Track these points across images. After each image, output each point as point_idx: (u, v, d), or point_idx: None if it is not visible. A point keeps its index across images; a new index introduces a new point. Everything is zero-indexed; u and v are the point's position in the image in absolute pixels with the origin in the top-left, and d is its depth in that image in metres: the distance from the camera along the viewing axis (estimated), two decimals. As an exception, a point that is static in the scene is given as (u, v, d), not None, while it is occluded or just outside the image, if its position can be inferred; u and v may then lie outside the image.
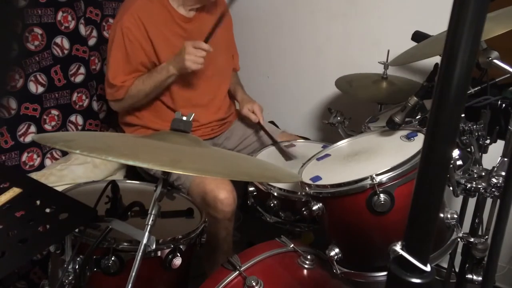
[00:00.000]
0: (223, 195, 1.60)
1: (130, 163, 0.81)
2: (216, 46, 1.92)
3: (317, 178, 1.25)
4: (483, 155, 1.36)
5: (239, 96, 2.03)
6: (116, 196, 1.20)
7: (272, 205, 1.52)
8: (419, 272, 0.54)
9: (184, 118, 1.07)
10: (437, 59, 1.10)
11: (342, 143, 1.43)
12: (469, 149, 1.35)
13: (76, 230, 1.17)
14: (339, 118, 1.78)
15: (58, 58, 1.89)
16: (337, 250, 1.21)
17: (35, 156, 1.86)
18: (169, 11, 1.77)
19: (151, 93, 1.78)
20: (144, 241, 0.98)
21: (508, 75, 1.19)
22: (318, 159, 1.38)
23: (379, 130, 1.41)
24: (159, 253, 1.20)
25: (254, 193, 1.61)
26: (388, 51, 1.83)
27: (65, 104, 1.95)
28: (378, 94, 1.87)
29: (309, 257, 1.25)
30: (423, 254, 0.54)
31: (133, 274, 0.97)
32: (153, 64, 1.77)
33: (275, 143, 1.86)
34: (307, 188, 1.23)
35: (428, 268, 0.54)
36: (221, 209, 1.60)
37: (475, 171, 1.27)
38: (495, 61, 1.17)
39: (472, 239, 1.25)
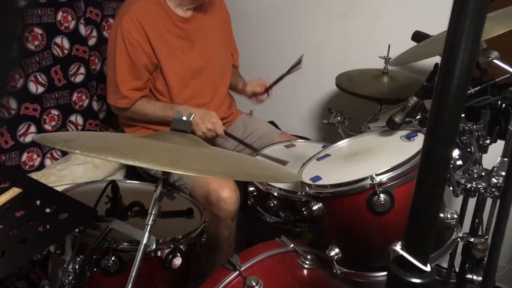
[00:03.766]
0: (226, 194, 1.60)
1: (130, 163, 0.81)
2: (215, 45, 1.93)
3: (317, 178, 1.25)
4: (483, 155, 1.36)
5: (241, 83, 2.02)
6: (116, 196, 1.20)
7: (272, 205, 1.52)
8: (419, 272, 0.54)
9: (184, 118, 1.07)
10: (437, 59, 1.10)
11: (342, 143, 1.43)
12: (469, 149, 1.34)
13: (76, 230, 1.18)
14: (339, 118, 1.77)
15: (58, 58, 1.89)
16: (337, 250, 1.21)
17: (35, 156, 1.86)
18: (166, 12, 1.77)
19: (154, 121, 1.82)
20: (144, 241, 0.98)
21: (508, 75, 1.19)
22: (318, 159, 1.38)
23: (379, 130, 1.41)
24: (159, 253, 1.20)
25: (254, 193, 1.61)
26: (389, 45, 1.82)
27: (65, 104, 1.95)
28: (379, 90, 1.87)
29: (309, 257, 1.25)
30: (423, 254, 0.54)
31: (133, 274, 0.97)
32: (154, 66, 1.77)
33: (277, 142, 1.86)
34: (307, 188, 1.23)
35: (428, 268, 0.54)
36: (224, 208, 1.60)
37: (475, 171, 1.27)
38: (495, 61, 1.17)
39: (472, 239, 1.25)
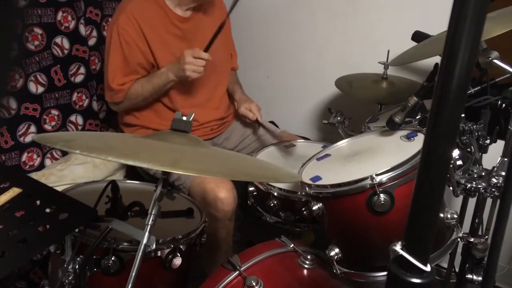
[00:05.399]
0: (223, 194, 1.60)
1: (130, 163, 0.81)
2: (214, 46, 1.92)
3: (317, 178, 1.25)
4: (483, 155, 1.36)
5: (237, 95, 2.03)
6: (116, 196, 1.20)
7: (272, 205, 1.52)
8: (419, 272, 0.54)
9: (184, 118, 1.07)
10: (437, 59, 1.10)
11: (342, 143, 1.43)
12: (469, 149, 1.34)
13: (76, 230, 1.17)
14: (339, 118, 1.78)
15: (58, 58, 1.89)
16: (337, 250, 1.21)
17: (35, 156, 1.86)
18: (165, 11, 1.77)
19: (150, 97, 1.79)
20: (144, 241, 0.98)
21: (508, 75, 1.19)
22: (318, 159, 1.38)
23: (379, 130, 1.41)
24: (159, 253, 1.20)
25: (254, 193, 1.61)
26: (388, 51, 1.83)
27: (65, 104, 1.95)
28: (378, 94, 1.87)
29: (309, 257, 1.25)
30: (423, 254, 0.54)
31: (133, 274, 0.97)
32: (150, 65, 1.77)
33: (277, 142, 1.86)
34: (307, 188, 1.23)
35: (428, 268, 0.54)
36: (221, 208, 1.60)
37: (475, 171, 1.27)
38: (495, 61, 1.17)
39: (472, 239, 1.25)
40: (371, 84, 1.92)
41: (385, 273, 1.18)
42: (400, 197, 1.11)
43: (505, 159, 1.21)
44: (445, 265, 1.77)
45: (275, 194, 1.52)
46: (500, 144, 1.29)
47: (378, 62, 1.85)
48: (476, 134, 1.30)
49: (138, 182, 1.56)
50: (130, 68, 1.74)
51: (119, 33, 1.69)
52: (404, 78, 1.99)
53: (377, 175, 1.10)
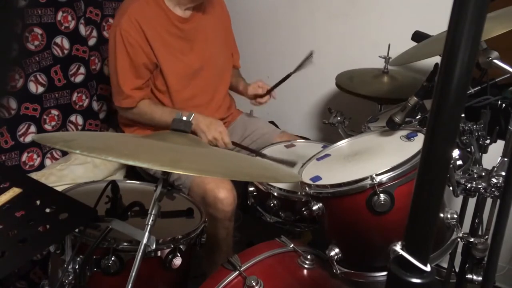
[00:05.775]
0: (223, 194, 1.60)
1: (130, 163, 0.81)
2: (215, 45, 1.93)
3: (317, 178, 1.25)
4: (483, 155, 1.36)
5: (242, 85, 2.03)
6: (116, 196, 1.20)
7: (272, 205, 1.52)
8: (419, 272, 0.54)
9: (184, 118, 1.07)
10: (437, 59, 1.10)
11: (342, 143, 1.43)
12: (469, 149, 1.34)
13: (76, 230, 1.18)
14: (339, 118, 1.77)
15: (58, 58, 1.89)
16: (337, 250, 1.21)
17: (35, 156, 1.86)
18: (165, 12, 1.78)
19: (160, 126, 1.80)
20: (144, 241, 0.98)
21: (508, 75, 1.19)
22: (318, 159, 1.38)
23: (379, 130, 1.41)
24: (159, 253, 1.20)
25: (254, 193, 1.61)
26: (389, 45, 1.82)
27: (65, 104, 1.95)
28: (379, 89, 1.87)
29: (309, 257, 1.25)
30: (423, 254, 0.54)
31: (133, 274, 0.97)
32: (154, 65, 1.77)
33: (277, 142, 1.86)
34: (307, 188, 1.23)
35: (428, 268, 0.54)
36: (221, 208, 1.60)
37: (475, 171, 1.27)
38: (495, 61, 1.17)
39: (472, 239, 1.25)
40: (372, 79, 1.91)
41: (385, 273, 1.18)
42: (400, 197, 1.11)
43: (505, 159, 1.21)
44: (445, 265, 1.77)
45: (275, 194, 1.52)
46: (500, 144, 1.29)
47: (379, 56, 1.85)
48: (476, 134, 1.30)
49: (138, 182, 1.56)
50: (137, 70, 1.75)
51: (123, 36, 1.69)
52: (405, 72, 1.98)
53: (377, 175, 1.10)
